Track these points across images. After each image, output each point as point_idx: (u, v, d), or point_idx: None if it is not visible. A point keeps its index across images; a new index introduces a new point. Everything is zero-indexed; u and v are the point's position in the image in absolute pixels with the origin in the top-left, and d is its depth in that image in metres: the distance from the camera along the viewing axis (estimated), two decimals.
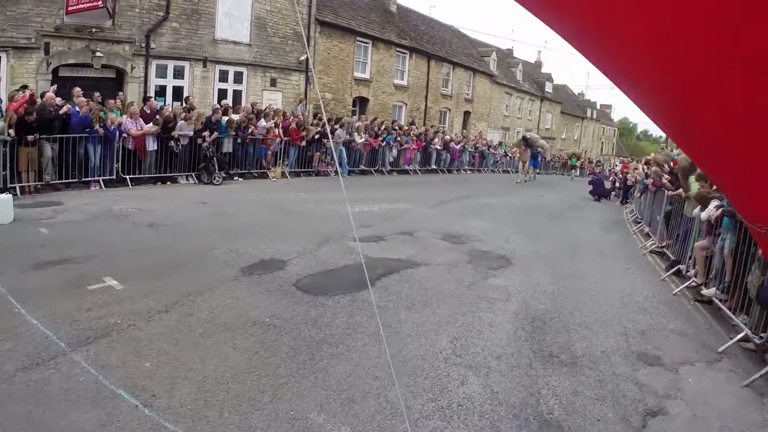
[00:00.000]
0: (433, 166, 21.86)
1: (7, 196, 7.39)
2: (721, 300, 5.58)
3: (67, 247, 5.92)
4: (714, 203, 6.02)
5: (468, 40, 35.05)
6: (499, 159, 28.61)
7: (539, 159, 24.47)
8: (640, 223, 11.91)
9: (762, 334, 4.58)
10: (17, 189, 9.12)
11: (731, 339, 4.81)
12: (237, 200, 9.88)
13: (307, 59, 19.44)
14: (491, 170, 26.88)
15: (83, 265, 5.29)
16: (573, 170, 34.55)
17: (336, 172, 16.63)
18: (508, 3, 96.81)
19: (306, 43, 19.29)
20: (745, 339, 4.75)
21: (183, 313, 4.27)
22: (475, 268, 6.29)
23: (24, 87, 10.66)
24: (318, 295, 4.86)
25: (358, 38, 22.03)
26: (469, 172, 24.18)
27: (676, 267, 7.16)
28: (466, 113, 31.29)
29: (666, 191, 8.90)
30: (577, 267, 6.99)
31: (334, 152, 16.01)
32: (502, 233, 8.60)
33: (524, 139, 22.29)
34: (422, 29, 28.15)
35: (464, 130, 29.19)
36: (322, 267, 5.67)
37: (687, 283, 6.40)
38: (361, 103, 23.25)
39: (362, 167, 18.08)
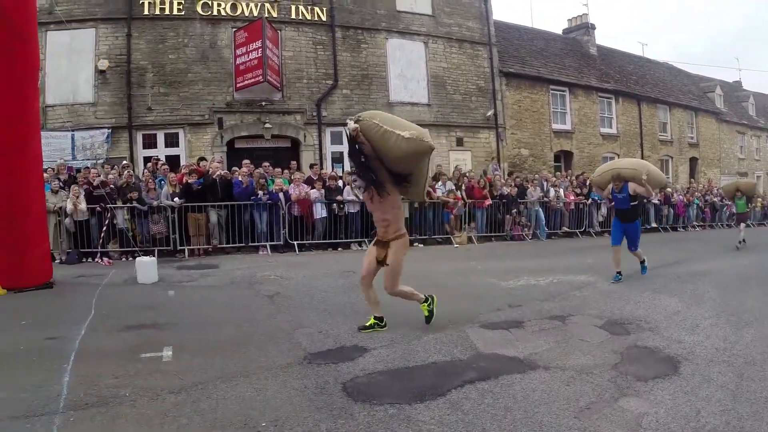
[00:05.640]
0: (653, 224, 17.64)
1: (151, 259, 7.74)
2: None
3: (165, 312, 5.77)
4: None
5: (686, 75, 29.87)
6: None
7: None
8: None
9: None
10: (185, 251, 9.59)
11: None
12: None
13: (495, 114, 18.00)
14: (726, 224, 20.70)
15: (159, 332, 4.96)
16: (742, 219, 14.10)
17: (533, 236, 14.32)
18: (730, 29, 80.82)
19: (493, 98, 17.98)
20: None
21: (189, 399, 3.42)
22: (615, 379, 3.90)
23: (202, 159, 11.68)
24: (357, 402, 3.43)
25: (551, 87, 19.92)
26: (698, 228, 19.54)
27: None
28: (692, 160, 25.79)
29: None
30: None
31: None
32: (692, 318, 5.74)
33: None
34: (629, 70, 24.77)
35: (692, 180, 24.11)
36: (403, 362, 4.22)
37: None
38: (565, 157, 20.68)
39: (565, 229, 15.32)
